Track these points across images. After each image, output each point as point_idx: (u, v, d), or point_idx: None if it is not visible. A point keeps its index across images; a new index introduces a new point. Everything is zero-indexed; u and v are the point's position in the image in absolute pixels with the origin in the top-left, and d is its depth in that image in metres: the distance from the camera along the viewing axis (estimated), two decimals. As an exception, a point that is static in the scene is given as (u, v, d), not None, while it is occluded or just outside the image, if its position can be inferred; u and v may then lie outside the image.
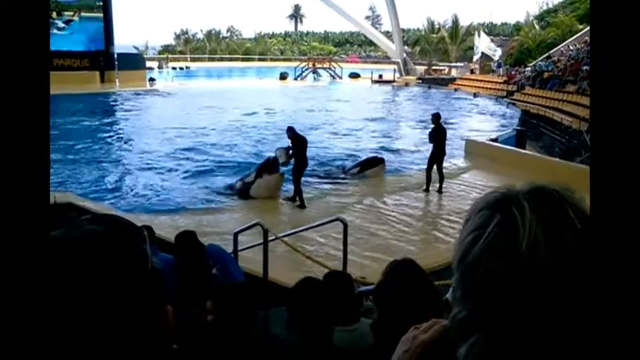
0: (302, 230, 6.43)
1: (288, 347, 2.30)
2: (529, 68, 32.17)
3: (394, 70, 44.54)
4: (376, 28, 57.56)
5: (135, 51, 39.22)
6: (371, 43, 60.17)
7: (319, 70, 47.76)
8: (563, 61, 28.85)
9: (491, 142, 14.67)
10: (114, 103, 28.16)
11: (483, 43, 38.69)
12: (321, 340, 2.06)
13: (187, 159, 14.36)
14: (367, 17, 68.66)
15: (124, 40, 39.35)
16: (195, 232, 4.35)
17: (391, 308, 1.67)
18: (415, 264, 1.82)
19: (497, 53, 38.29)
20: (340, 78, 46.84)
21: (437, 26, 50.83)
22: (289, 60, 61.38)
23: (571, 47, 32.32)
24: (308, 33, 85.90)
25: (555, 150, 17.15)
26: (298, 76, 45.73)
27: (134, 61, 36.23)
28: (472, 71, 40.29)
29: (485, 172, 12.28)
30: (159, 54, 67.08)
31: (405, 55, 46.41)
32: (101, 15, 33.42)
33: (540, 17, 45.90)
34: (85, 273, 0.64)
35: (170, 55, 64.44)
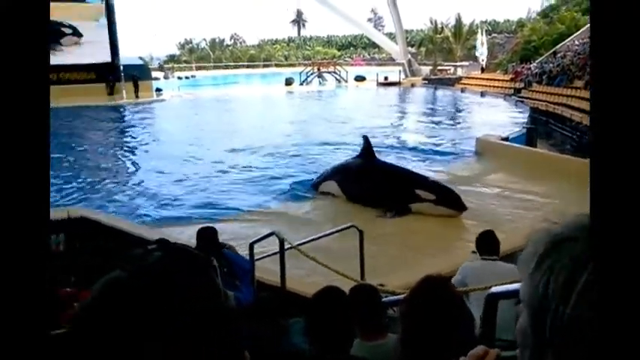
0: (317, 238, 6.37)
1: (308, 358, 2.24)
2: (535, 64, 31.95)
3: (399, 71, 44.41)
4: (379, 30, 57.52)
5: (140, 62, 39.02)
6: (374, 45, 60.09)
7: (324, 75, 47.74)
8: (570, 56, 28.61)
9: (502, 142, 14.55)
10: (123, 115, 28.31)
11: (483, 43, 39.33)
12: (340, 351, 1.97)
13: (202, 168, 14.35)
14: (369, 19, 68.64)
15: (127, 52, 39.37)
16: (216, 229, 4.41)
17: (420, 325, 1.59)
18: (449, 282, 1.75)
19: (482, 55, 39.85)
20: (346, 81, 46.78)
21: (440, 26, 50.69)
22: (293, 65, 61.44)
23: (576, 42, 32.09)
24: (311, 38, 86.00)
25: (567, 147, 16.98)
26: (304, 81, 45.73)
27: (141, 72, 36.09)
28: (482, 69, 40.00)
29: (501, 174, 12.14)
30: (164, 64, 67.41)
31: (409, 56, 46.30)
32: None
33: (544, 14, 45.51)
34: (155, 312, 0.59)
35: (175, 65, 64.79)
